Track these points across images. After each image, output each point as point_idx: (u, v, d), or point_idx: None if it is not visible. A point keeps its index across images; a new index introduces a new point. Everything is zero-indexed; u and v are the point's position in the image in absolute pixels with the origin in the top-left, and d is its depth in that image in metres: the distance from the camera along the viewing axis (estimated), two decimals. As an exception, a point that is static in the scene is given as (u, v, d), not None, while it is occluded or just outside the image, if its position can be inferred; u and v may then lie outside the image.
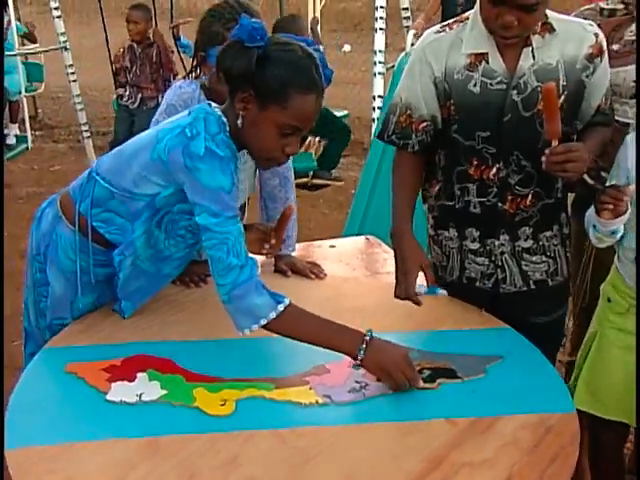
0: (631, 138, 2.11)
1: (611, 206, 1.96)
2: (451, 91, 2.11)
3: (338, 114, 6.20)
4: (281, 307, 1.79)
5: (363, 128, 7.28)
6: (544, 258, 2.24)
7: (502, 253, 2.23)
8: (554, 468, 1.58)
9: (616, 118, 2.28)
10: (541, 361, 2.00)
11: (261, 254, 2.19)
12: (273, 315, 1.78)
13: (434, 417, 1.72)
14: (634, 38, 2.31)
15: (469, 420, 1.71)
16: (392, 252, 2.87)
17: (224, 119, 1.87)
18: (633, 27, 2.32)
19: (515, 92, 2.06)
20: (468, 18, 2.12)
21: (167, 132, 1.87)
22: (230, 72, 1.81)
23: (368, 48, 5.95)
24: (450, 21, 2.16)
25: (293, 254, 2.56)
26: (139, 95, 6.01)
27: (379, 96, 4.79)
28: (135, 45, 6.03)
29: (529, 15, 1.94)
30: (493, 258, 2.24)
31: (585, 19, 2.38)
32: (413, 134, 2.17)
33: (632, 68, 2.29)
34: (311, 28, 6.22)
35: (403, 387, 1.78)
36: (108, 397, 1.74)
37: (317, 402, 1.76)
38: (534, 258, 2.24)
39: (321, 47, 5.64)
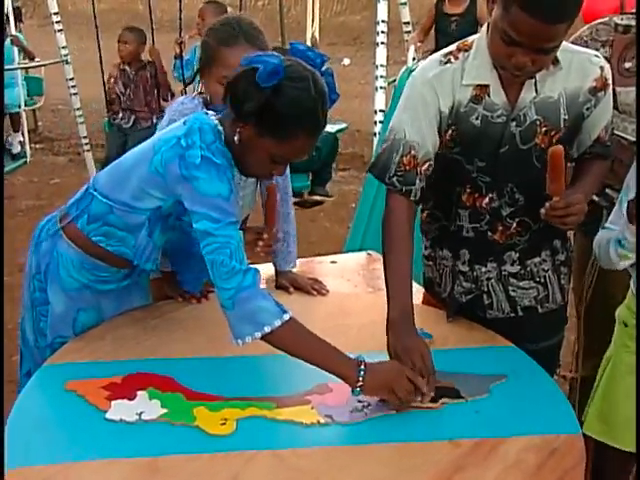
0: (625, 192, 2.06)
1: None
2: (454, 123, 2.02)
3: (335, 127, 6.16)
4: (287, 317, 1.76)
5: (363, 141, 7.28)
6: (532, 283, 2.20)
7: (488, 279, 2.20)
8: (559, 490, 1.57)
9: (624, 136, 2.26)
10: (546, 381, 1.98)
11: (257, 256, 2.12)
12: (278, 323, 1.74)
13: (437, 438, 1.70)
14: None
15: (473, 441, 1.69)
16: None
17: (220, 128, 1.87)
18: None
19: (514, 124, 2.01)
20: (472, 46, 2.02)
21: (163, 143, 1.86)
22: (238, 106, 1.79)
23: (367, 61, 5.97)
24: (453, 48, 2.05)
25: (294, 270, 2.54)
26: (132, 116, 5.96)
27: (380, 110, 4.79)
28: (128, 68, 5.95)
29: (544, 56, 1.86)
30: (479, 284, 2.21)
31: (598, 34, 2.36)
32: (417, 179, 2.02)
33: None
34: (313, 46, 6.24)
35: (407, 402, 1.76)
36: (108, 416, 1.73)
37: (319, 422, 1.74)
38: (521, 283, 2.20)
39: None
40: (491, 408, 1.82)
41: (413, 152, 2.01)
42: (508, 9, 1.78)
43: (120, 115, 5.97)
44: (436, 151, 2.04)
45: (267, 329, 1.74)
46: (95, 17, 5.97)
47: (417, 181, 2.03)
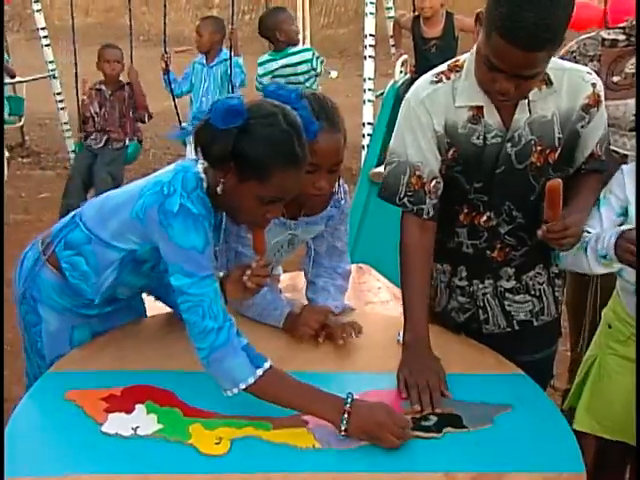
0: (628, 169, 2.08)
1: (632, 256, 1.90)
2: (454, 143, 2.03)
3: None
4: (260, 372, 1.77)
5: (351, 154, 7.24)
6: (528, 297, 2.21)
7: (484, 294, 2.21)
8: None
9: (615, 149, 2.27)
10: (553, 413, 1.90)
11: (247, 291, 2.02)
12: (251, 380, 1.76)
13: (433, 470, 1.65)
14: (634, 71, 2.30)
15: (469, 475, 1.63)
16: (384, 280, 2.88)
17: (202, 175, 1.85)
18: (634, 59, 2.31)
19: (509, 145, 2.02)
20: (462, 66, 2.03)
21: (148, 188, 1.86)
22: (208, 152, 1.80)
23: (354, 74, 5.97)
24: (444, 68, 2.07)
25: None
26: (105, 137, 5.70)
27: (368, 123, 4.82)
28: (104, 87, 5.71)
29: (527, 82, 1.87)
30: (475, 298, 2.22)
31: (586, 48, 2.38)
32: (427, 197, 2.05)
33: (632, 102, 2.27)
34: None
35: (395, 446, 1.71)
36: (103, 428, 1.74)
37: (314, 446, 1.73)
38: (517, 297, 2.21)
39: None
40: (493, 440, 1.76)
41: (418, 172, 2.04)
42: (489, 36, 1.81)
43: (92, 136, 5.72)
44: (440, 168, 2.06)
45: (242, 386, 1.76)
46: (73, 31, 5.91)
47: (427, 199, 2.06)
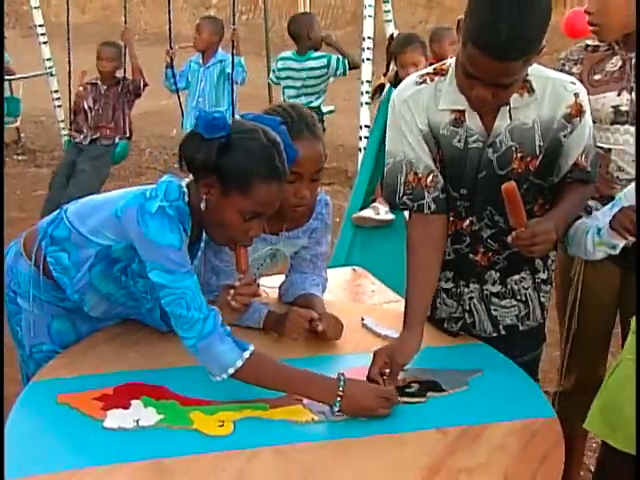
0: (624, 195, 2.11)
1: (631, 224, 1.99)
2: (439, 144, 2.06)
3: (325, 109, 6.19)
4: (247, 354, 1.82)
5: (347, 156, 7.29)
6: (514, 302, 2.22)
7: (471, 298, 2.22)
8: (545, 468, 1.69)
9: (599, 144, 2.30)
10: (517, 372, 2.10)
11: (234, 311, 2.00)
12: (240, 363, 1.80)
13: (425, 428, 1.81)
14: (614, 69, 2.42)
15: (459, 429, 1.80)
16: (379, 284, 2.91)
17: (185, 190, 1.90)
18: (614, 60, 2.43)
19: (491, 150, 2.03)
20: (448, 70, 2.04)
21: (131, 192, 1.93)
22: (192, 162, 1.85)
23: (351, 76, 5.96)
24: (430, 70, 2.10)
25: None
26: (95, 135, 5.68)
27: (366, 126, 4.83)
28: (100, 83, 5.72)
29: (504, 90, 1.89)
30: (462, 302, 2.23)
31: (572, 54, 2.48)
32: (425, 192, 2.07)
33: (611, 95, 2.39)
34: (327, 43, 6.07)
35: (386, 414, 1.84)
36: (105, 424, 1.76)
37: (313, 420, 1.82)
38: (503, 302, 2.22)
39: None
40: (472, 399, 1.94)
41: (413, 169, 2.07)
42: (465, 45, 1.83)
43: (82, 135, 5.70)
44: (435, 162, 2.08)
45: (231, 370, 1.81)
46: (68, 30, 5.92)
47: (426, 194, 2.07)
